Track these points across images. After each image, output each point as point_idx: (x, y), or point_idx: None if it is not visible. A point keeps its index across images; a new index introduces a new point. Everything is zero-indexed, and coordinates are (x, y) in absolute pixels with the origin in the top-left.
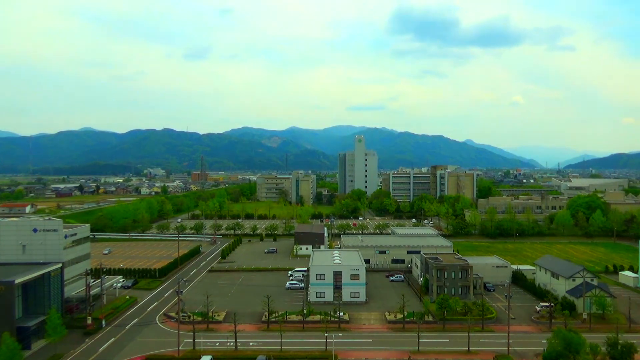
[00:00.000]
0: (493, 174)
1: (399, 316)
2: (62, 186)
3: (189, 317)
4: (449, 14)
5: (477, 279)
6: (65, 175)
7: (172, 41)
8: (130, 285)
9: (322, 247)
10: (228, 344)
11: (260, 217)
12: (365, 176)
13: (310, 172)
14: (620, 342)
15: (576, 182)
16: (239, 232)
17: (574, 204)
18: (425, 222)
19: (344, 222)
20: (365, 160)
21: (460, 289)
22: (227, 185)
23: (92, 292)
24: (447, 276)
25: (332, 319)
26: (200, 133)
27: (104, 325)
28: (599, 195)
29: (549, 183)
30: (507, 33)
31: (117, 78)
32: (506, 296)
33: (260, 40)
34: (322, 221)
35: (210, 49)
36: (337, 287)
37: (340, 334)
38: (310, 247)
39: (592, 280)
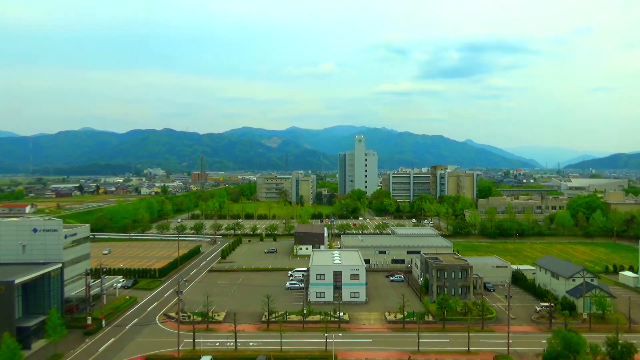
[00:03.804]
0: (493, 174)
1: (399, 316)
2: (62, 186)
3: (189, 317)
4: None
5: (477, 279)
6: (65, 175)
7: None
8: (130, 285)
9: (322, 247)
10: (228, 344)
11: (260, 217)
12: (365, 176)
13: (310, 172)
14: (620, 342)
15: (576, 182)
16: (239, 232)
17: (574, 204)
18: (425, 222)
19: (344, 222)
20: (365, 160)
21: (460, 289)
22: (227, 185)
23: (92, 292)
24: (447, 276)
25: (332, 319)
26: (200, 133)
27: (104, 325)
28: (599, 195)
29: (549, 183)
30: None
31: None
32: (506, 296)
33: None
34: (322, 221)
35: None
36: (337, 287)
37: (340, 334)
38: (310, 247)
39: (592, 280)
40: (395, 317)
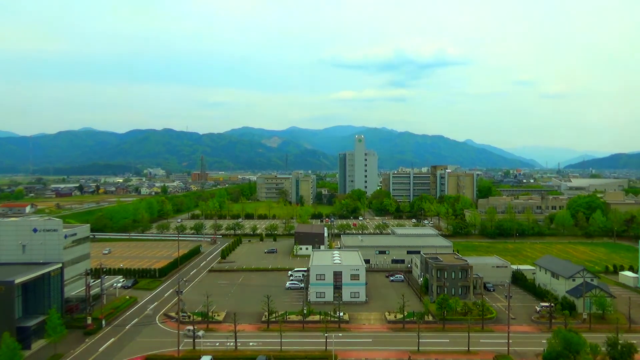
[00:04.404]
0: (493, 174)
1: (399, 316)
2: (62, 186)
3: (189, 317)
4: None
5: (477, 279)
6: (65, 175)
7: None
8: (130, 285)
9: (322, 247)
10: (228, 344)
11: (260, 217)
12: (365, 176)
13: (310, 172)
14: (620, 342)
15: (576, 182)
16: (239, 232)
17: (574, 204)
18: (425, 222)
19: (344, 222)
20: (365, 160)
21: (460, 289)
22: (227, 185)
23: (92, 292)
24: (447, 276)
25: (332, 319)
26: (200, 133)
27: (104, 325)
28: (599, 195)
29: (549, 183)
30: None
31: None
32: (506, 296)
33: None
34: (322, 221)
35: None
36: (337, 287)
37: (340, 334)
38: (310, 247)
39: (592, 280)
40: (395, 317)
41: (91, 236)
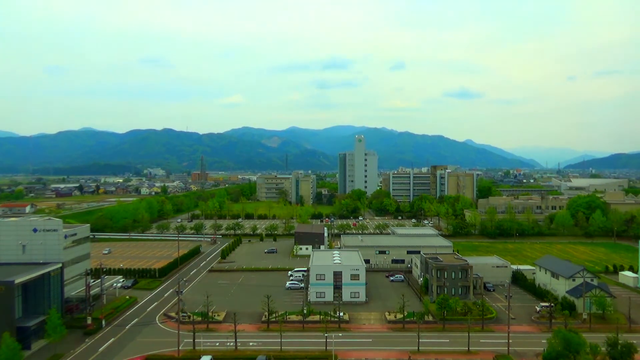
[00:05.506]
0: (493, 174)
1: (399, 316)
2: (62, 186)
3: (189, 317)
4: None
5: (477, 279)
6: (65, 175)
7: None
8: (130, 285)
9: (322, 247)
10: (228, 344)
11: (260, 217)
12: (365, 176)
13: (310, 172)
14: (620, 342)
15: (576, 182)
16: (239, 232)
17: (574, 204)
18: (425, 222)
19: (344, 222)
20: (365, 160)
21: (460, 289)
22: (227, 185)
23: (92, 292)
24: (447, 276)
25: (332, 319)
26: (200, 133)
27: (104, 325)
28: (599, 195)
29: (549, 183)
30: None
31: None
32: (506, 296)
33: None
34: (322, 221)
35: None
36: (337, 287)
37: (340, 334)
38: (310, 247)
39: (592, 280)
40: (395, 317)
41: (91, 236)
